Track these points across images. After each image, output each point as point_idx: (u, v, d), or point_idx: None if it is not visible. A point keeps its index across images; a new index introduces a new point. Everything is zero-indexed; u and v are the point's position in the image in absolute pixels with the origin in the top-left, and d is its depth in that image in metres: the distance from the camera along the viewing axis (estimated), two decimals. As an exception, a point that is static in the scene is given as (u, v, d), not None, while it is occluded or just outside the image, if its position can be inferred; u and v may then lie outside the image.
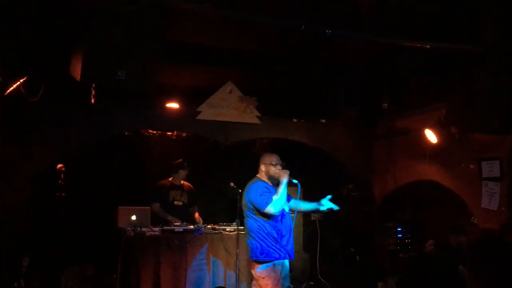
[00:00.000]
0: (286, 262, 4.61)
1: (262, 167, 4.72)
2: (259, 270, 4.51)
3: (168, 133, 8.03)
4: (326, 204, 4.67)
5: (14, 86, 5.26)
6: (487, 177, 5.91)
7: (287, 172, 4.57)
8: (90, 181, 7.04)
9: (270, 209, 4.39)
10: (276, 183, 4.63)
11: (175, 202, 6.57)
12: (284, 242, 4.53)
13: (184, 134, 8.03)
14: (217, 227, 6.12)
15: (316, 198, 4.88)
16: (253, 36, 5.41)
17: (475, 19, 4.61)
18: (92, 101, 5.86)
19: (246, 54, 6.09)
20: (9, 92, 5.28)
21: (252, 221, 4.57)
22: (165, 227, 5.74)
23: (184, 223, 6.11)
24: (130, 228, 5.52)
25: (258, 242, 4.50)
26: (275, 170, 4.64)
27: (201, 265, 5.71)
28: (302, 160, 7.37)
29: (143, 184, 7.04)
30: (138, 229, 5.51)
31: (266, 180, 4.69)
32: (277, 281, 4.44)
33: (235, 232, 5.71)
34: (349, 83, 6.90)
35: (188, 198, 6.69)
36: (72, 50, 4.13)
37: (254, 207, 4.51)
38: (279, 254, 4.48)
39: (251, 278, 4.82)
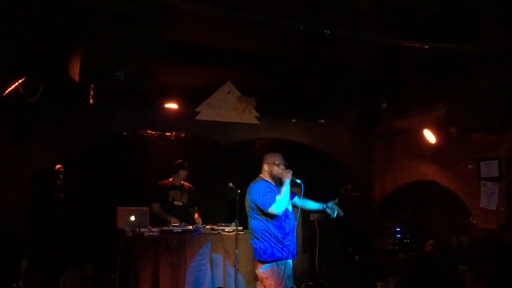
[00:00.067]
0: (290, 262, 4.60)
1: (265, 167, 4.71)
2: (261, 270, 4.52)
3: (167, 133, 8.02)
4: (333, 208, 4.68)
5: (13, 86, 5.25)
6: (486, 177, 5.91)
7: (290, 171, 4.55)
8: (89, 181, 7.05)
9: (273, 209, 4.38)
10: (279, 183, 4.61)
11: (175, 203, 6.57)
12: (287, 241, 4.51)
13: (183, 135, 8.03)
14: (216, 227, 6.11)
15: (316, 199, 4.87)
16: (253, 36, 5.41)
17: (475, 19, 4.61)
18: (91, 101, 5.86)
19: (246, 54, 6.08)
20: (8, 93, 5.27)
21: (256, 221, 4.56)
22: (164, 228, 5.73)
23: (183, 223, 6.10)
24: (129, 229, 5.51)
25: (262, 242, 4.49)
26: (278, 169, 4.63)
27: (200, 265, 5.69)
28: (301, 160, 7.35)
29: (142, 184, 7.04)
30: (137, 229, 5.50)
31: (269, 180, 4.67)
32: (280, 281, 4.43)
33: (234, 233, 5.70)
34: (349, 83, 6.90)
35: (188, 199, 6.69)
36: (71, 50, 4.12)
37: (257, 207, 4.49)
38: (282, 254, 4.47)
39: (256, 278, 4.81)
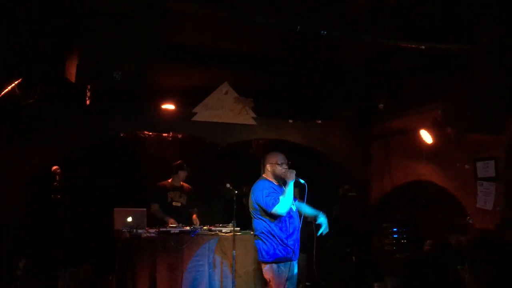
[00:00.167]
0: (294, 262, 4.56)
1: (268, 167, 4.68)
2: (265, 270, 4.51)
3: (164, 134, 8.00)
4: (323, 224, 4.65)
5: (9, 88, 5.22)
6: (482, 177, 5.94)
7: (294, 172, 4.52)
8: (86, 182, 7.02)
9: (277, 209, 4.35)
10: (282, 183, 4.60)
11: (174, 203, 6.56)
12: (290, 242, 4.48)
13: (180, 135, 8.01)
14: (213, 228, 6.10)
15: (313, 199, 4.86)
16: (253, 36, 5.40)
17: (474, 19, 4.62)
18: (88, 102, 5.83)
19: (246, 54, 6.07)
20: (4, 94, 5.24)
21: (259, 221, 4.53)
22: (161, 229, 5.71)
23: (181, 224, 6.09)
24: (126, 230, 5.49)
25: (265, 243, 4.47)
26: (281, 169, 4.60)
27: (197, 266, 5.67)
28: (298, 160, 7.35)
29: (140, 185, 7.02)
30: (134, 230, 5.48)
31: (272, 180, 4.65)
32: (281, 282, 4.41)
33: (231, 233, 5.69)
34: (347, 83, 6.89)
35: (187, 200, 6.68)
36: (70, 50, 4.10)
37: (261, 208, 4.47)
38: (285, 254, 4.46)
39: (254, 279, 4.79)
